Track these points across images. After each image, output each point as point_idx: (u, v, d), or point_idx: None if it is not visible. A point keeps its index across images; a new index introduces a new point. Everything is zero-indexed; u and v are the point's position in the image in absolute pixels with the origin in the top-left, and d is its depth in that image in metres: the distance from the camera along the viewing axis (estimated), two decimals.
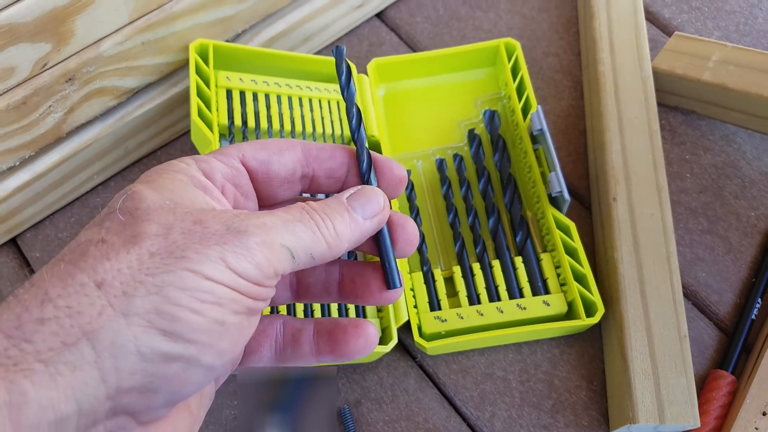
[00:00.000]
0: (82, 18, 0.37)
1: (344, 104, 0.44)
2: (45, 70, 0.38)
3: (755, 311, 0.39)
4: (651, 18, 0.52)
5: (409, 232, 0.26)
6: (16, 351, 0.19)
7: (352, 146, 0.27)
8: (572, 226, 0.40)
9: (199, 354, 0.20)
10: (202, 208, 0.22)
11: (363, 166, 0.26)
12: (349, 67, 0.27)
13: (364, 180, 0.26)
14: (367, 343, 0.26)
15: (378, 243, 0.26)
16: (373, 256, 0.29)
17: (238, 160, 0.25)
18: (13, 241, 0.45)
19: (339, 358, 0.27)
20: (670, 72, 0.44)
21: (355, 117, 0.27)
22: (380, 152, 0.43)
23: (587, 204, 0.45)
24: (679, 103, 0.46)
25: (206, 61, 0.43)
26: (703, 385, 0.38)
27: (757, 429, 0.35)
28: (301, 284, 0.28)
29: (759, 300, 0.40)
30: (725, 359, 0.38)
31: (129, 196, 0.22)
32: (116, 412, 0.20)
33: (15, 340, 0.19)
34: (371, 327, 0.26)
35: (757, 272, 0.41)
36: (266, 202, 0.26)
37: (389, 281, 0.26)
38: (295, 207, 0.24)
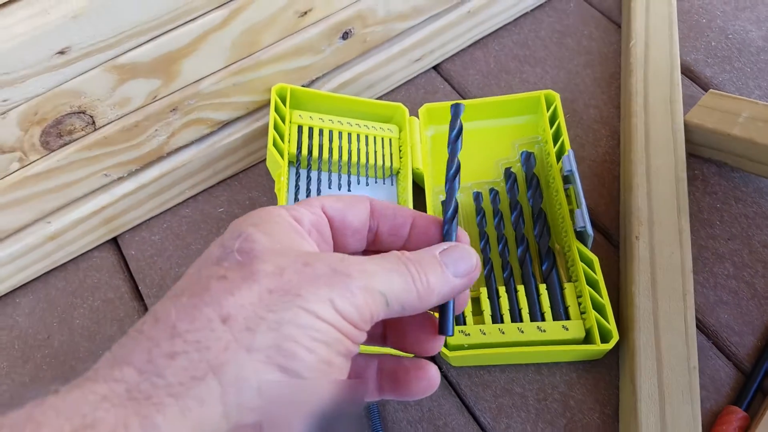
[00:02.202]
0: (188, 61, 0.44)
1: (396, 144, 0.51)
2: (155, 101, 0.45)
3: None
4: (692, 76, 0.55)
5: (462, 298, 0.28)
6: (148, 385, 0.19)
7: (414, 210, 0.29)
8: (595, 259, 0.44)
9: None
10: (308, 251, 0.23)
11: (449, 212, 0.27)
12: (461, 126, 0.30)
13: (446, 227, 0.27)
14: (429, 384, 0.27)
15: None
16: None
17: (320, 209, 0.26)
18: (113, 240, 0.52)
19: (401, 398, 0.27)
20: (701, 125, 0.47)
21: (454, 168, 0.29)
22: (423, 183, 0.49)
23: (615, 242, 0.48)
24: (711, 156, 0.49)
25: (284, 102, 0.50)
26: (715, 419, 0.40)
27: None
28: None
29: None
30: (740, 397, 0.40)
31: (244, 239, 0.23)
32: None
33: (147, 374, 0.19)
34: (433, 369, 0.27)
35: None
36: (339, 251, 0.28)
37: (443, 328, 0.26)
38: (392, 255, 0.24)
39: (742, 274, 0.45)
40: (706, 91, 0.54)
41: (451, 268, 0.25)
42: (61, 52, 0.38)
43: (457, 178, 0.29)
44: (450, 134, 0.30)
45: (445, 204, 0.28)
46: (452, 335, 0.27)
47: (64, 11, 0.37)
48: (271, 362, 0.20)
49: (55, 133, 0.43)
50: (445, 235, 0.27)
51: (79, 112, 0.42)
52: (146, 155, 0.48)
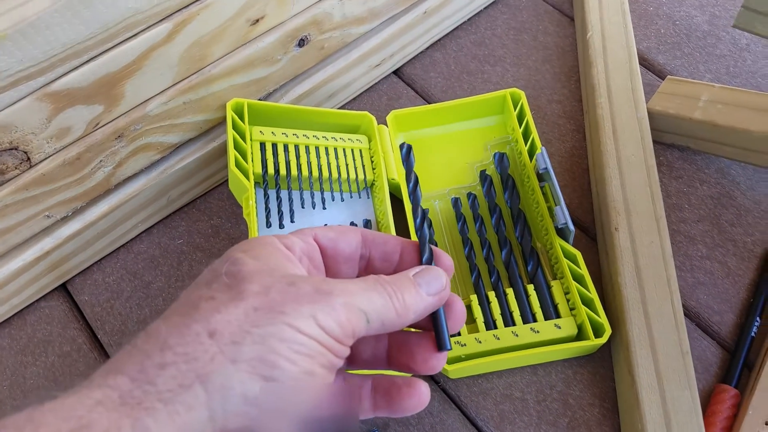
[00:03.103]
0: (131, 82, 0.41)
1: (367, 155, 0.49)
2: (97, 129, 0.42)
3: (755, 329, 0.42)
4: (646, 64, 0.56)
5: (457, 310, 0.30)
6: (139, 392, 0.21)
7: (402, 237, 0.31)
8: (578, 254, 0.44)
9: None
10: (293, 273, 0.25)
11: (425, 257, 0.30)
12: (416, 176, 0.33)
13: (424, 257, 0.30)
14: (420, 401, 0.29)
15: (433, 312, 0.29)
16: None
17: (311, 237, 0.28)
18: (63, 286, 0.48)
19: (394, 414, 0.29)
20: (664, 112, 0.48)
21: (420, 217, 0.33)
22: (400, 194, 0.48)
23: (592, 234, 0.48)
24: (674, 141, 0.50)
25: (242, 118, 0.47)
26: (708, 399, 0.41)
27: None
28: (353, 353, 0.30)
29: (758, 319, 0.43)
30: (728, 374, 0.41)
31: (232, 262, 0.25)
32: None
33: (139, 382, 0.21)
34: (423, 386, 0.29)
35: (755, 293, 0.44)
36: (331, 277, 0.29)
37: (440, 343, 0.29)
38: (370, 278, 0.27)
39: (714, 254, 0.46)
40: (660, 77, 0.55)
41: (424, 288, 0.27)
42: None
43: (425, 225, 0.34)
44: (408, 185, 0.34)
45: (420, 248, 0.30)
46: (450, 349, 0.29)
47: None
48: (255, 372, 0.22)
49: None
50: (424, 262, 0.30)
51: (11, 149, 0.38)
52: (91, 190, 0.45)
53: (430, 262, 0.30)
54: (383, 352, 0.30)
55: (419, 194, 0.33)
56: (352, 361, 0.30)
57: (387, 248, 0.30)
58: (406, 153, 0.33)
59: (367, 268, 0.30)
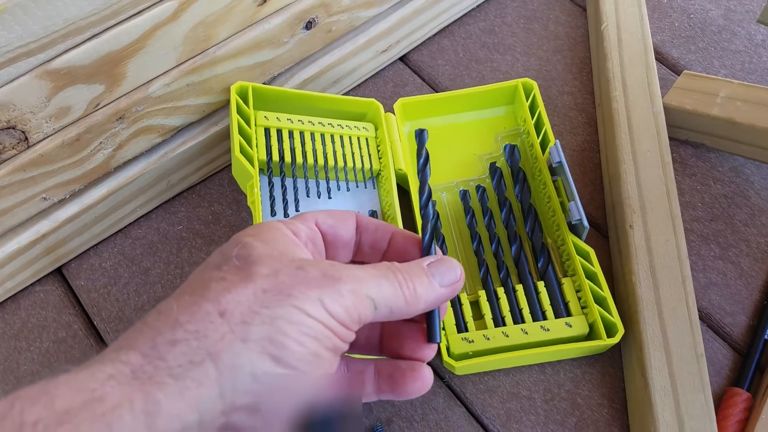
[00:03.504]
0: (134, 62, 0.40)
1: (373, 143, 0.48)
2: (98, 110, 0.41)
3: None
4: (660, 58, 0.55)
5: (442, 308, 0.30)
6: (150, 367, 0.21)
7: (395, 226, 0.31)
8: (591, 252, 0.42)
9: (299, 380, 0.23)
10: (302, 257, 0.26)
11: (426, 238, 0.30)
12: (427, 153, 0.33)
13: (425, 249, 0.30)
14: (424, 384, 0.29)
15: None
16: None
17: (314, 223, 0.29)
18: (59, 271, 0.47)
19: (398, 397, 0.30)
20: (680, 108, 0.47)
21: (426, 195, 0.32)
22: (407, 185, 0.46)
23: (604, 231, 0.47)
24: (689, 137, 0.49)
25: (246, 102, 0.45)
26: (719, 402, 0.40)
27: None
28: None
29: None
30: (740, 377, 0.40)
31: (242, 246, 0.25)
32: (226, 428, 0.22)
33: (150, 358, 0.22)
34: (427, 370, 0.29)
35: None
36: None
37: (431, 335, 0.29)
38: (382, 265, 0.27)
39: (728, 255, 0.45)
40: (674, 72, 0.54)
41: (437, 279, 0.28)
42: None
43: (430, 203, 0.32)
44: (418, 162, 0.33)
45: (422, 228, 0.30)
46: (440, 342, 0.29)
47: None
48: (264, 352, 0.22)
49: None
50: (425, 251, 0.30)
51: (8, 128, 0.37)
52: (90, 172, 0.43)
53: (431, 242, 0.30)
54: (377, 339, 0.31)
55: (428, 173, 0.33)
56: (349, 347, 0.31)
57: (377, 236, 0.30)
58: (419, 134, 0.34)
59: (357, 252, 0.31)
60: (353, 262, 0.31)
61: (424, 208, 0.32)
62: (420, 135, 0.34)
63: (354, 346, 0.31)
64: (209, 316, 0.23)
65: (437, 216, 0.46)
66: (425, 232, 0.30)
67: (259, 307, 0.23)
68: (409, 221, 0.45)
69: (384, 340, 0.31)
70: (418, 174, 0.33)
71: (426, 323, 0.29)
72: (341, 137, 0.47)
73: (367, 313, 0.25)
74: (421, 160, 0.33)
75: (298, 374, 0.23)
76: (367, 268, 0.26)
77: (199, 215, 0.49)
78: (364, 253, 0.31)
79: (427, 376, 0.29)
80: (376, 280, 0.26)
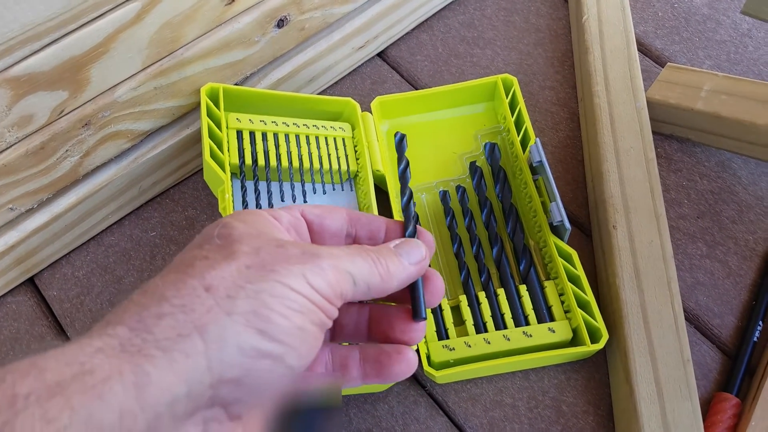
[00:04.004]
0: (98, 66, 0.38)
1: (350, 144, 0.46)
2: (62, 117, 0.39)
3: (757, 334, 0.40)
4: (643, 50, 0.53)
5: (436, 285, 0.31)
6: (138, 340, 0.21)
7: (388, 218, 0.32)
8: (574, 254, 0.41)
9: (284, 353, 0.23)
10: (281, 237, 0.26)
11: (408, 231, 0.31)
12: (407, 161, 0.35)
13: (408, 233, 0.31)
14: (409, 366, 0.30)
15: (411, 284, 0.30)
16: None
17: (298, 212, 0.29)
18: (30, 281, 0.46)
19: (384, 381, 0.30)
20: (664, 102, 0.46)
21: (407, 196, 0.34)
22: (386, 186, 0.45)
23: (587, 231, 0.46)
24: (673, 132, 0.48)
25: (216, 104, 0.44)
26: (707, 408, 0.39)
27: None
28: (336, 325, 0.31)
29: (760, 323, 0.41)
30: (729, 382, 0.39)
31: (223, 225, 0.26)
32: (214, 402, 0.23)
33: (137, 331, 0.22)
34: (411, 352, 0.30)
35: (757, 295, 0.42)
36: None
37: (416, 313, 0.30)
38: (354, 246, 0.28)
39: (715, 253, 0.44)
40: (658, 63, 0.52)
41: (405, 257, 0.29)
42: None
43: (411, 202, 0.34)
44: (398, 167, 0.35)
45: (405, 224, 0.32)
46: (425, 318, 0.30)
47: None
48: (250, 325, 0.22)
49: None
50: (407, 236, 0.32)
51: None
52: (58, 180, 0.42)
53: (414, 234, 0.31)
54: (364, 326, 0.31)
55: (408, 176, 0.35)
56: (336, 334, 0.32)
57: (372, 227, 0.31)
58: (400, 140, 0.35)
59: (354, 244, 0.31)
60: None
61: (405, 209, 0.33)
62: (400, 142, 0.35)
63: (342, 335, 0.32)
64: (195, 291, 0.23)
65: (417, 218, 0.44)
66: (407, 225, 0.31)
67: (244, 282, 0.23)
68: None
69: (372, 326, 0.31)
70: (399, 178, 0.34)
71: (411, 301, 0.30)
72: (317, 138, 0.45)
73: (347, 288, 0.26)
74: (401, 166, 0.34)
75: (283, 347, 0.23)
76: (342, 248, 0.27)
77: (173, 221, 0.47)
78: (362, 244, 0.31)
79: (412, 358, 0.30)
80: (352, 257, 0.26)
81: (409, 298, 0.31)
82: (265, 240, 0.25)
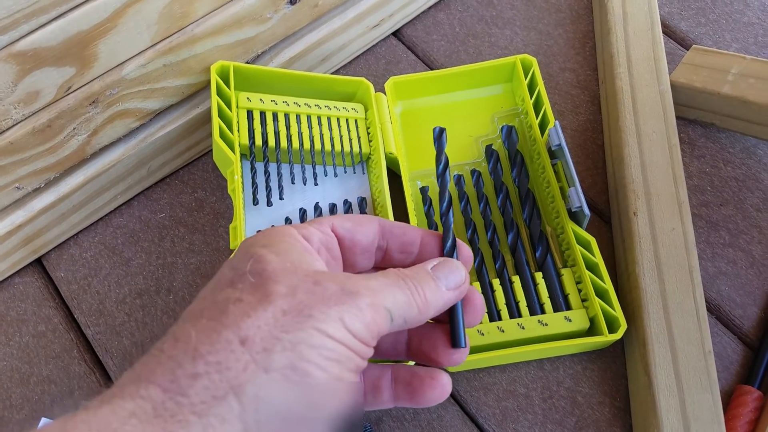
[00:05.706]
0: (105, 42, 0.38)
1: (363, 126, 0.45)
2: (69, 94, 0.39)
3: None
4: (668, 32, 0.52)
5: (476, 305, 0.29)
6: (172, 404, 0.21)
7: (422, 227, 0.30)
8: (593, 241, 0.40)
9: (320, 414, 0.23)
10: (316, 270, 0.25)
11: (447, 245, 0.29)
12: (447, 158, 0.32)
13: (447, 255, 0.29)
14: (443, 392, 0.29)
15: (450, 308, 0.28)
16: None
17: (329, 228, 0.28)
18: (38, 261, 0.45)
19: (416, 405, 0.29)
20: (689, 85, 0.44)
21: (446, 201, 0.31)
22: (399, 169, 0.44)
23: (607, 218, 0.44)
24: (698, 117, 0.46)
25: (227, 83, 0.43)
26: (728, 400, 0.38)
27: None
28: None
29: None
30: (751, 374, 0.38)
31: (255, 260, 0.25)
32: None
33: (171, 393, 0.21)
34: (445, 377, 0.29)
35: None
36: (348, 269, 0.29)
37: (455, 341, 0.28)
38: (391, 272, 0.26)
39: (738, 242, 0.43)
40: (682, 46, 0.51)
41: (443, 282, 0.27)
42: None
43: (450, 210, 0.31)
44: (437, 167, 0.32)
45: (444, 236, 0.30)
46: (464, 347, 0.29)
47: None
48: (287, 381, 0.22)
49: None
50: (447, 250, 0.30)
51: None
52: (65, 160, 0.42)
53: (453, 250, 0.29)
54: (403, 344, 0.30)
55: (447, 178, 0.32)
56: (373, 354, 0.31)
57: (405, 239, 0.29)
58: (439, 134, 0.32)
59: (384, 258, 0.30)
60: (379, 268, 0.30)
61: (444, 215, 0.31)
62: (440, 136, 0.32)
63: (379, 352, 0.30)
64: (230, 345, 0.22)
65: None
66: (446, 239, 0.29)
67: (280, 332, 0.22)
68: (399, 208, 0.43)
69: (412, 345, 0.30)
70: (437, 179, 0.32)
71: (450, 328, 0.29)
72: (329, 119, 0.44)
73: (384, 327, 0.25)
74: (440, 166, 0.31)
75: (320, 400, 0.22)
76: (379, 278, 0.26)
77: (182, 202, 0.47)
78: (392, 258, 0.30)
79: (446, 384, 0.29)
80: (391, 290, 0.25)
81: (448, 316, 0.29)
82: (301, 276, 0.24)
